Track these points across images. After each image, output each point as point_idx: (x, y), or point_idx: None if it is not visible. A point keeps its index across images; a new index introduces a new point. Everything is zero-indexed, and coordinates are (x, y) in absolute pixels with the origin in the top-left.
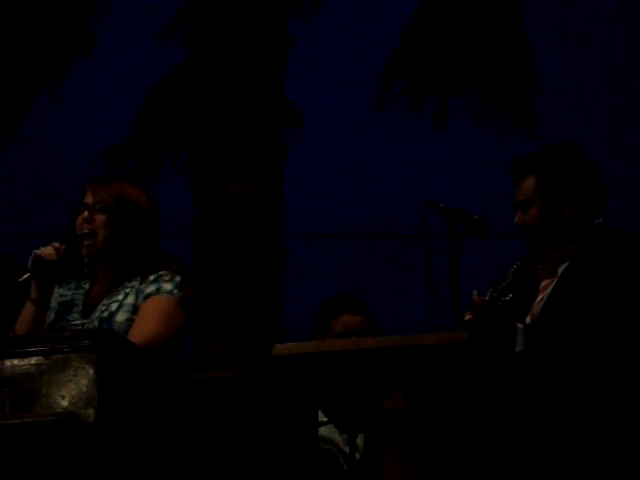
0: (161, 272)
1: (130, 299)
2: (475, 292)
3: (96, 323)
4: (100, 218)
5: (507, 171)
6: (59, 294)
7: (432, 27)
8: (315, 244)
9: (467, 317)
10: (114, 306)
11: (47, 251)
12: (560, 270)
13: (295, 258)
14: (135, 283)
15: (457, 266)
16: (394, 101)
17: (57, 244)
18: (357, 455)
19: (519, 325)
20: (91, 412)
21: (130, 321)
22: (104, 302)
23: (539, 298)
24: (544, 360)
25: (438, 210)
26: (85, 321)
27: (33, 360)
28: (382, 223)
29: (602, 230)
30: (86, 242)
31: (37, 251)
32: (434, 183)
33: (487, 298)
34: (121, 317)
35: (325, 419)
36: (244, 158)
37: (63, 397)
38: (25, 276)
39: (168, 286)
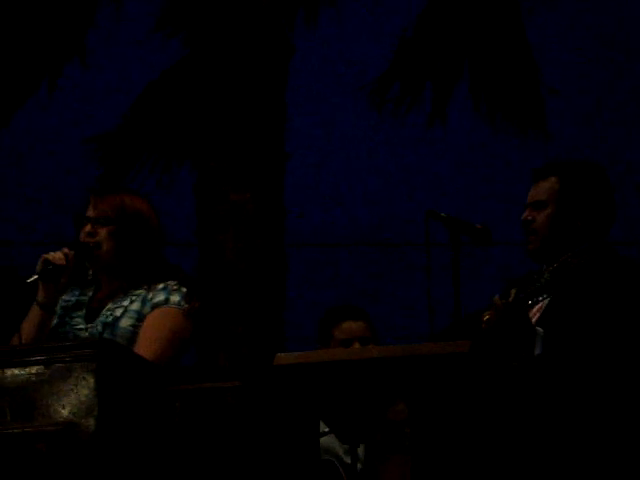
0: (169, 282)
1: (135, 306)
2: (496, 297)
3: (100, 328)
4: (102, 231)
5: (510, 179)
6: (63, 300)
7: (431, 31)
8: (317, 253)
9: (485, 317)
10: (119, 311)
11: (57, 255)
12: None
13: (297, 267)
14: (142, 291)
15: (459, 275)
16: (394, 106)
17: (67, 249)
18: (359, 465)
19: (539, 329)
20: (91, 422)
21: (134, 327)
22: (109, 307)
23: (536, 308)
24: (563, 364)
25: (440, 219)
26: (89, 325)
27: (34, 369)
28: (384, 232)
29: (605, 247)
30: (90, 257)
31: (46, 255)
32: (437, 192)
33: (511, 299)
34: (125, 323)
35: (326, 429)
36: (245, 166)
37: (63, 406)
38: (33, 278)
39: (176, 297)
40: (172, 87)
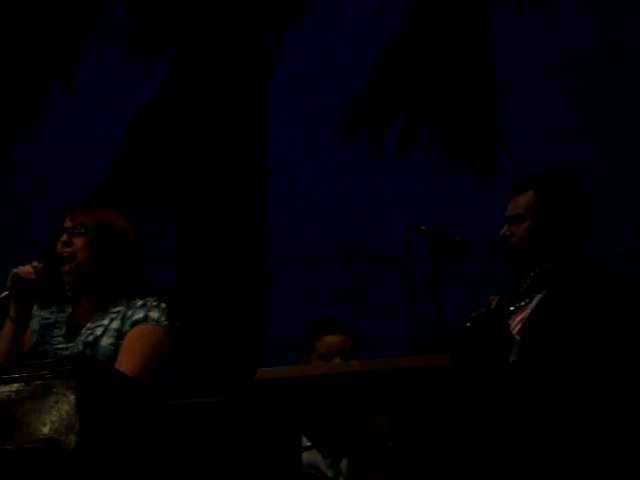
0: (148, 298)
1: (115, 324)
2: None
3: (81, 347)
4: (79, 241)
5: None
6: (41, 317)
7: (401, 58)
8: (298, 267)
9: (468, 324)
10: (99, 330)
11: (25, 269)
12: (537, 297)
13: (279, 281)
14: (121, 308)
15: (439, 288)
16: (366, 127)
17: (35, 263)
18: None
19: (516, 336)
20: (72, 439)
21: (115, 346)
22: (89, 326)
23: (518, 319)
24: (537, 371)
25: (420, 232)
26: (69, 345)
27: (14, 387)
28: (365, 245)
29: (585, 259)
30: (66, 267)
31: (16, 269)
32: (416, 205)
33: (493, 306)
34: (106, 342)
35: (309, 444)
36: (226, 181)
37: (44, 424)
38: (3, 294)
39: (155, 314)
40: (156, 111)
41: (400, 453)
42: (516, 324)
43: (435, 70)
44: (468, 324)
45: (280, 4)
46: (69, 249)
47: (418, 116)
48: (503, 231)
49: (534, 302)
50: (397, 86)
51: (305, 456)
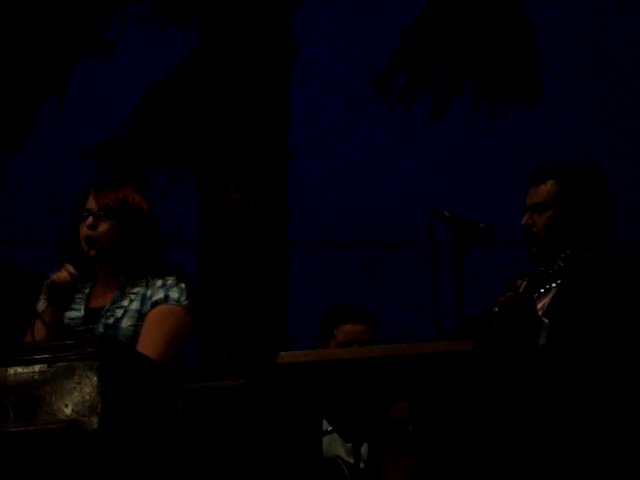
0: (167, 277)
1: (135, 305)
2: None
3: (101, 329)
4: (105, 224)
5: (509, 180)
6: None
7: (435, 25)
8: (319, 252)
9: (495, 308)
10: (119, 312)
11: (62, 276)
12: (560, 281)
13: (299, 266)
14: (139, 289)
15: (462, 274)
16: (399, 96)
17: (71, 268)
18: (361, 464)
19: (545, 320)
20: (94, 420)
21: (135, 327)
22: (108, 307)
23: (539, 305)
24: (566, 355)
25: (443, 218)
26: (90, 327)
27: (37, 368)
28: (386, 231)
29: (604, 248)
30: (92, 251)
31: (53, 277)
32: (438, 191)
33: (521, 290)
34: (126, 323)
35: (329, 428)
36: (248, 165)
37: (67, 405)
38: (43, 305)
39: (175, 294)
40: (176, 87)
41: (420, 438)
42: (544, 302)
43: (470, 37)
44: (496, 308)
45: None
46: (95, 232)
47: (453, 82)
48: (525, 220)
49: (557, 286)
50: (432, 49)
51: (325, 440)
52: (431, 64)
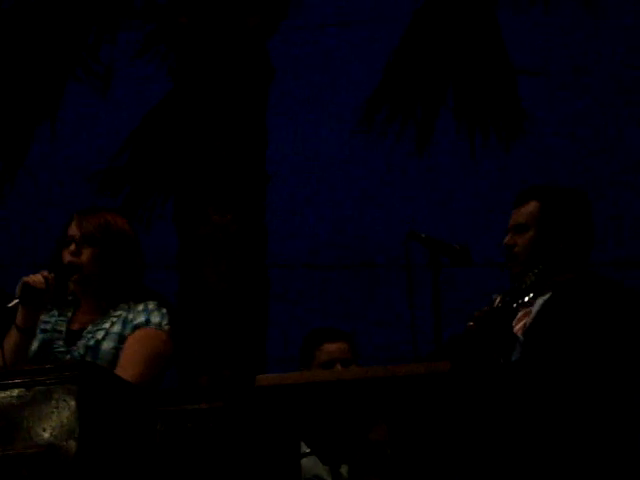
0: (148, 302)
1: (116, 328)
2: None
3: (82, 351)
4: (87, 251)
5: (490, 201)
6: (42, 321)
7: (415, 54)
8: (298, 274)
9: (470, 324)
10: (100, 334)
11: (36, 279)
12: (540, 300)
13: (278, 288)
14: (121, 312)
15: (439, 295)
16: (377, 129)
17: (46, 273)
18: None
19: (519, 336)
20: (72, 444)
21: (116, 350)
22: (90, 329)
23: (521, 317)
24: (539, 371)
25: (420, 240)
26: (70, 349)
27: (15, 392)
28: (364, 253)
29: (585, 270)
30: (75, 276)
31: (26, 278)
32: (416, 213)
33: (497, 305)
34: (107, 345)
35: (308, 450)
36: (226, 188)
37: (44, 429)
38: (14, 302)
39: (156, 318)
40: (159, 119)
41: (399, 460)
42: (519, 324)
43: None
44: (471, 323)
45: (279, 12)
46: (77, 259)
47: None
48: (506, 240)
49: (538, 304)
50: (412, 82)
51: (304, 462)
52: (411, 97)
